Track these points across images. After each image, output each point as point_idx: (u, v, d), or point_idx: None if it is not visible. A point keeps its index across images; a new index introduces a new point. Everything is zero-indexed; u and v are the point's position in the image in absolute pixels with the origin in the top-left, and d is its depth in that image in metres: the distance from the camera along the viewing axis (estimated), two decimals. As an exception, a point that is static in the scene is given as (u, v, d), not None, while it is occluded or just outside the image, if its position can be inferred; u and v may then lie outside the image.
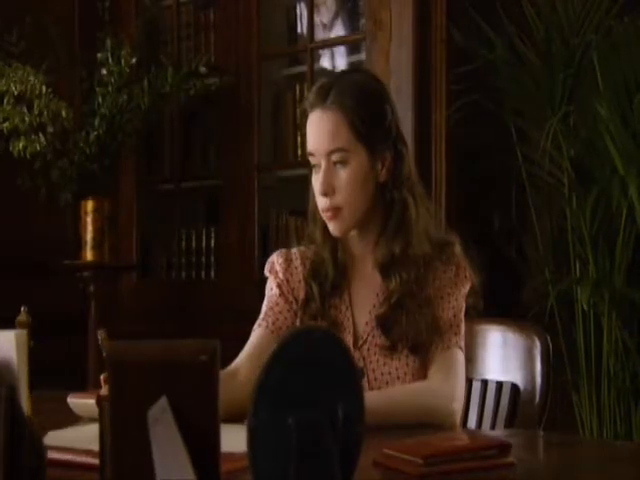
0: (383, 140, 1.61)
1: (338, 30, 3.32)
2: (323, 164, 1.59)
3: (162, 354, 0.88)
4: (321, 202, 1.60)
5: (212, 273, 3.50)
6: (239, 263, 3.37)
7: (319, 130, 1.59)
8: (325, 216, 1.61)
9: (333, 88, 1.60)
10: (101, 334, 1.07)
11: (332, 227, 1.61)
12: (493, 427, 1.73)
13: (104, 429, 0.95)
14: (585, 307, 2.61)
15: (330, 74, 3.27)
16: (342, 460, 0.88)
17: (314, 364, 0.91)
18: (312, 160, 1.62)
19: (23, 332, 1.03)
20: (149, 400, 0.87)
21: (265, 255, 3.31)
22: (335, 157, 1.58)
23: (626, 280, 2.63)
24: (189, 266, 3.56)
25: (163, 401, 0.87)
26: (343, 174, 1.58)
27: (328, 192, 1.59)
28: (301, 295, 1.66)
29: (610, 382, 2.65)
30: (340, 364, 0.93)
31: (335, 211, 1.59)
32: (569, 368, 2.69)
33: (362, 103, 1.59)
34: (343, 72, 1.97)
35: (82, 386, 2.99)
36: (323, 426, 0.88)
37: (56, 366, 2.58)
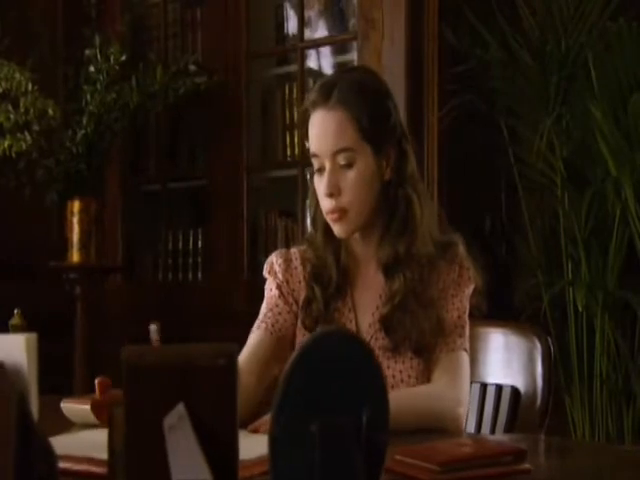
0: (388, 138, 1.58)
1: (326, 30, 3.29)
2: (328, 165, 1.55)
3: (179, 358, 0.85)
4: (326, 204, 1.56)
5: (199, 275, 3.46)
6: (227, 264, 3.33)
7: (323, 130, 1.55)
8: (330, 218, 1.57)
9: (336, 87, 1.56)
10: (154, 327, 1.00)
11: (337, 229, 1.58)
12: (493, 431, 1.71)
13: (115, 436, 0.91)
14: (580, 308, 2.60)
15: (320, 74, 3.25)
16: (366, 466, 0.85)
17: (336, 367, 0.88)
18: (315, 162, 1.58)
19: (33, 336, 0.99)
20: (166, 405, 0.84)
21: (254, 256, 3.30)
22: (341, 158, 1.54)
23: (619, 282, 2.62)
24: (176, 267, 3.52)
25: (180, 408, 0.84)
26: (349, 174, 1.55)
27: (334, 193, 1.55)
28: (301, 296, 1.63)
29: (602, 384, 2.65)
30: (362, 365, 0.90)
31: (341, 213, 1.55)
32: (561, 369, 2.68)
33: (367, 101, 1.56)
34: (344, 70, 1.92)
35: (69, 389, 2.95)
36: (347, 432, 0.85)
37: (42, 369, 2.52)
